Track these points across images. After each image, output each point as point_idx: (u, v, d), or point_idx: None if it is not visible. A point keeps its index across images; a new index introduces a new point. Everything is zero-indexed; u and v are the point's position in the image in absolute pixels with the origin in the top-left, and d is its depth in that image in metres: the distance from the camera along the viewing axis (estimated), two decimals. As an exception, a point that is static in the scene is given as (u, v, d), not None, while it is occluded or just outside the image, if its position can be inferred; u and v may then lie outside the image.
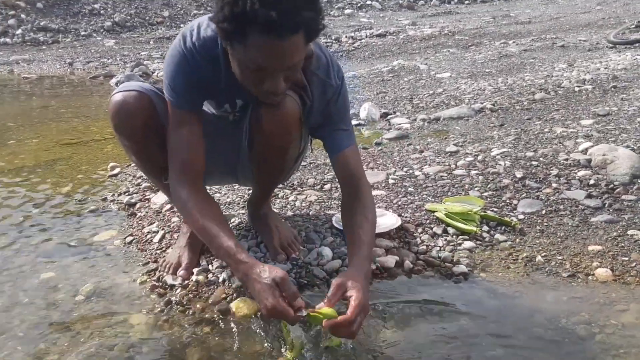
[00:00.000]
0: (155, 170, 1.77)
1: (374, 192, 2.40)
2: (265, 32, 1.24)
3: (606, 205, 2.15)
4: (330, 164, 2.81)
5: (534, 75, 4.79)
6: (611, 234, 1.95)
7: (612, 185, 2.27)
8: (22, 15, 10.36)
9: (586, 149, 2.63)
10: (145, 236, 2.14)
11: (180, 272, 1.80)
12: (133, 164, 2.98)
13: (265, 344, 1.47)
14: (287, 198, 2.40)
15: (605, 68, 4.74)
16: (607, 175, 2.36)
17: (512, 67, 5.36)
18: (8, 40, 9.56)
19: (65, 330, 1.56)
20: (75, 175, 2.98)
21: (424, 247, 1.94)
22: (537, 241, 1.95)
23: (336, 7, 12.98)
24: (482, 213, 2.11)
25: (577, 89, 4.15)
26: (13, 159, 3.33)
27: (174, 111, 1.56)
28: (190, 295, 1.71)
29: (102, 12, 11.18)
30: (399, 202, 2.29)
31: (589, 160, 2.51)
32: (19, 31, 9.85)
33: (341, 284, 1.37)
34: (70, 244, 2.13)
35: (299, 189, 2.51)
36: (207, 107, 1.74)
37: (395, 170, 2.67)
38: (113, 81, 6.14)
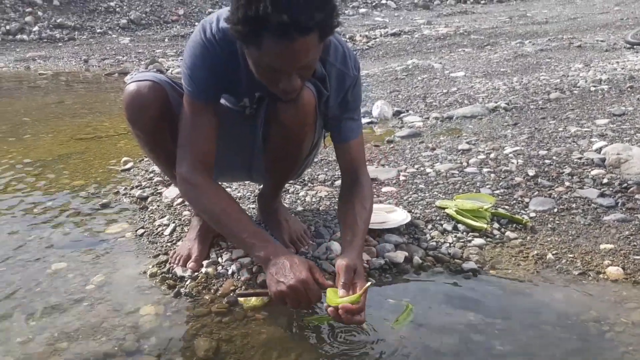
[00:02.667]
0: (166, 162, 1.78)
1: (385, 189, 2.40)
2: (278, 35, 1.24)
3: (619, 204, 2.13)
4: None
5: (549, 75, 4.76)
6: (624, 233, 1.93)
7: (625, 184, 2.24)
8: (39, 13, 10.47)
9: (600, 148, 2.61)
10: (157, 229, 2.15)
11: (190, 264, 1.81)
12: (145, 157, 3.01)
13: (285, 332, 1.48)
14: (298, 193, 2.41)
15: (622, 68, 4.69)
16: (621, 174, 2.34)
17: (527, 67, 5.33)
18: (25, 37, 9.66)
19: (76, 319, 1.57)
20: (88, 169, 3.01)
21: (434, 243, 1.93)
22: (548, 239, 1.94)
23: (351, 5, 12.98)
24: (493, 210, 2.10)
25: (592, 88, 4.11)
26: (28, 152, 3.37)
27: (191, 101, 1.57)
28: (199, 287, 1.72)
29: (117, 9, 11.26)
30: (410, 199, 2.28)
31: (603, 159, 2.49)
32: (36, 28, 9.95)
33: (351, 268, 1.42)
34: (82, 235, 2.15)
35: (309, 184, 2.52)
36: (224, 101, 1.74)
37: (406, 167, 2.67)
38: (127, 78, 6.19)
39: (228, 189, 2.49)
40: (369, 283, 1.38)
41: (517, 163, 2.57)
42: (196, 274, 1.78)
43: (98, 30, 10.35)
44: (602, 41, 6.42)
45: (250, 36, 1.28)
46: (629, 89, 4.02)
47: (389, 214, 2.05)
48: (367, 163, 2.74)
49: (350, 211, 1.63)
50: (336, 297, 1.37)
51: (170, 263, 1.86)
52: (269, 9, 1.20)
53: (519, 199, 2.23)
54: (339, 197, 1.76)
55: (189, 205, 1.61)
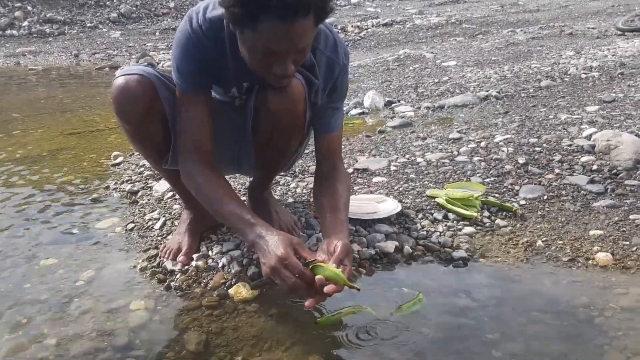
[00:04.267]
0: (155, 155, 1.78)
1: (375, 179, 2.40)
2: (277, 15, 1.25)
3: (609, 190, 2.13)
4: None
5: (540, 63, 4.76)
6: (613, 219, 1.94)
7: (615, 171, 2.25)
8: (29, 7, 10.40)
9: (590, 135, 2.61)
10: (147, 223, 2.15)
11: (180, 257, 1.81)
12: (135, 151, 2.99)
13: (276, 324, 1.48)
14: (289, 185, 2.40)
15: (613, 55, 4.70)
16: (611, 161, 2.34)
17: (519, 55, 5.33)
18: (15, 32, 9.60)
19: (66, 315, 1.57)
20: (78, 164, 3.00)
21: (424, 232, 1.93)
22: (538, 226, 1.94)
23: (342, -4, 12.92)
24: (483, 198, 2.10)
25: (583, 76, 4.12)
26: (18, 148, 3.35)
27: (182, 93, 1.58)
28: (189, 280, 1.71)
29: (107, 3, 11.20)
30: (400, 189, 2.28)
31: (593, 146, 2.49)
32: (25, 23, 9.89)
33: (348, 247, 1.41)
34: (72, 231, 2.14)
35: (300, 176, 2.51)
36: (213, 93, 1.74)
37: (397, 157, 2.67)
38: (118, 72, 6.15)
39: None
40: (359, 288, 1.37)
41: (508, 151, 2.57)
42: (186, 267, 1.77)
43: (88, 25, 10.29)
44: (593, 28, 6.42)
45: (246, 18, 1.28)
46: (619, 75, 4.02)
47: (379, 204, 2.05)
48: (358, 153, 2.76)
49: (331, 193, 1.64)
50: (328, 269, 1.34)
51: (160, 257, 1.85)
52: None
53: (509, 186, 2.23)
54: (316, 181, 1.75)
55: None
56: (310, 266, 1.35)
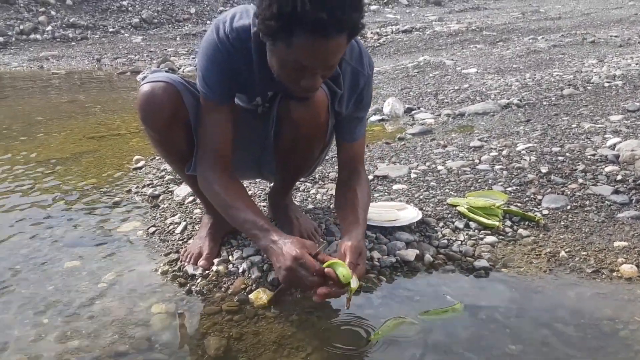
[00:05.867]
0: (179, 162, 1.79)
1: (395, 186, 2.39)
2: (313, 32, 1.25)
3: (633, 201, 2.10)
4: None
5: (562, 71, 4.71)
6: (638, 230, 1.90)
7: (639, 181, 2.22)
8: (52, 12, 10.57)
9: (614, 145, 2.58)
10: (168, 227, 2.16)
11: (201, 262, 1.81)
12: (157, 156, 3.02)
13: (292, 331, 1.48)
14: (309, 191, 2.40)
15: (637, 64, 4.64)
16: (635, 171, 2.31)
17: (540, 63, 5.29)
18: (38, 36, 9.76)
19: (88, 318, 1.58)
20: (100, 168, 3.03)
21: (445, 241, 1.92)
22: (561, 237, 1.92)
23: (362, 3, 12.95)
24: (505, 208, 2.08)
25: (606, 84, 4.07)
26: (41, 151, 3.40)
27: (206, 101, 1.60)
28: (210, 285, 1.72)
29: (129, 9, 11.34)
30: (421, 196, 2.27)
31: (617, 156, 2.46)
32: (49, 28, 10.04)
33: (357, 249, 1.46)
34: (94, 234, 2.16)
35: (320, 182, 2.51)
36: (237, 100, 1.75)
37: (417, 165, 2.66)
38: (140, 77, 6.23)
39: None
40: (348, 306, 1.42)
41: (530, 160, 2.54)
42: (207, 272, 1.78)
43: (110, 30, 10.43)
44: (616, 36, 6.35)
45: (281, 32, 1.28)
46: (643, 84, 3.97)
47: (399, 212, 2.04)
48: (378, 160, 2.75)
49: (350, 196, 1.67)
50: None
51: (181, 261, 1.86)
52: (307, 6, 1.20)
53: (532, 196, 2.21)
54: (337, 187, 1.79)
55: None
56: (325, 265, 1.39)
